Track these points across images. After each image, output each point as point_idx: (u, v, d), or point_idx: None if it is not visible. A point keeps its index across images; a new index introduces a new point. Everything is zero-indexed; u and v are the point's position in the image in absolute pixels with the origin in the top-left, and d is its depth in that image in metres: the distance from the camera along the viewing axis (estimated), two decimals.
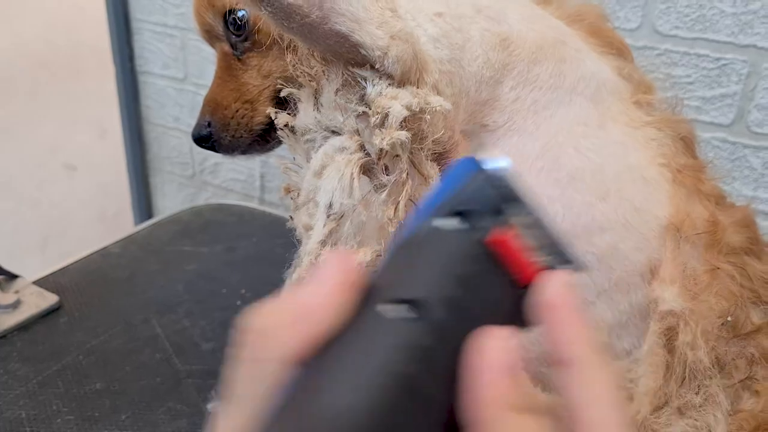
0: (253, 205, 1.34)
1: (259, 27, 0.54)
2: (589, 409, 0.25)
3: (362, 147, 0.43)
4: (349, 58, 0.42)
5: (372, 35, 0.38)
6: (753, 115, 1.06)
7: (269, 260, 1.05)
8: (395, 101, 0.40)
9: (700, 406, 0.47)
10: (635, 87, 0.55)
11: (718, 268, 0.52)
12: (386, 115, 0.41)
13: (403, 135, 0.40)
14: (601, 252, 0.50)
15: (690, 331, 0.47)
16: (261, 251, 1.10)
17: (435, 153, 0.46)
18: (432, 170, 0.44)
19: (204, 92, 0.66)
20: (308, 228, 0.45)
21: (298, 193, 0.49)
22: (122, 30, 1.61)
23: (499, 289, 0.26)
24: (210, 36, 0.62)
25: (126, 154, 1.72)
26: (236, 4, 0.56)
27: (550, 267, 0.26)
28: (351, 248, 0.43)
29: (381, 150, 0.41)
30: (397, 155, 0.42)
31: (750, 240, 0.56)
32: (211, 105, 0.63)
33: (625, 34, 1.11)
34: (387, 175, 0.42)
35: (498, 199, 0.27)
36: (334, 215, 0.43)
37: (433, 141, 0.44)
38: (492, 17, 0.48)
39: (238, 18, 0.57)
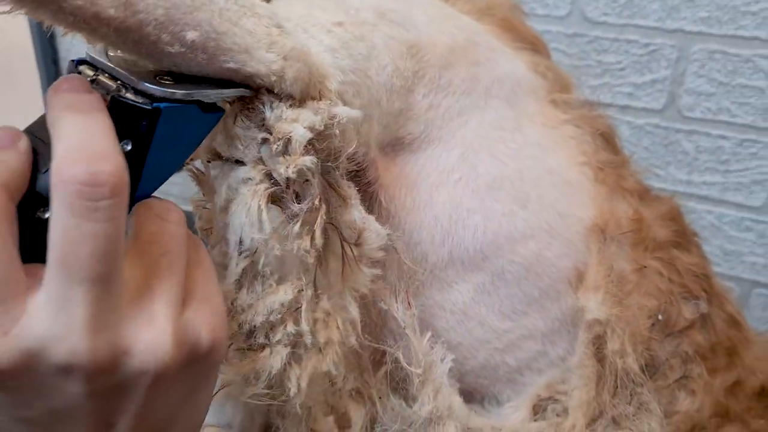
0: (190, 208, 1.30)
1: None
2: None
3: (268, 176, 0.39)
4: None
5: (264, 61, 0.35)
6: (684, 100, 1.07)
7: None
8: (296, 124, 0.37)
9: (633, 416, 0.46)
10: (551, 84, 0.54)
11: (646, 267, 0.51)
12: (288, 140, 0.38)
13: (308, 160, 0.38)
14: (527, 261, 0.48)
15: (618, 338, 0.46)
16: None
17: (351, 172, 0.43)
18: (350, 190, 0.42)
19: None
20: (224, 268, 0.42)
21: (211, 232, 0.47)
22: (45, 34, 1.54)
23: None
24: None
25: None
26: None
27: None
28: (270, 286, 0.40)
29: (288, 178, 0.39)
30: (307, 180, 0.39)
31: (677, 233, 0.55)
32: None
33: (555, 21, 1.10)
34: (298, 203, 0.39)
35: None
36: (246, 252, 0.40)
37: (348, 158, 0.41)
38: (397, 22, 0.45)
39: None
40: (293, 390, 0.40)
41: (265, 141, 0.39)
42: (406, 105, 0.46)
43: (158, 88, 0.34)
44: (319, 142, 0.39)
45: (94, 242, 0.28)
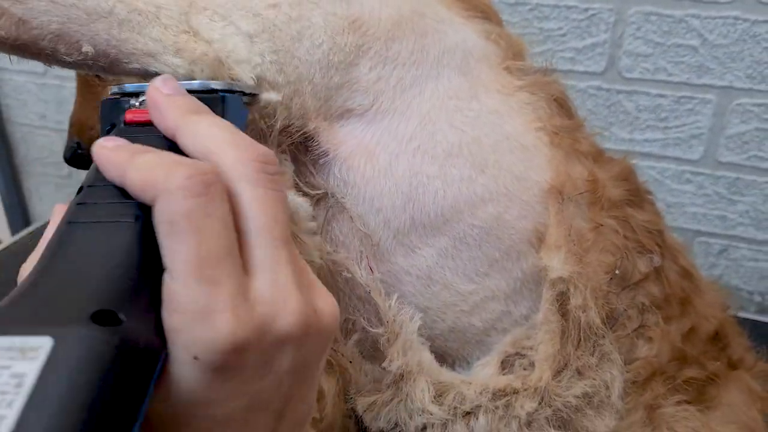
0: None
1: None
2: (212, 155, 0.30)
3: None
4: None
5: (170, 65, 0.36)
6: (623, 62, 1.09)
7: None
8: None
9: (596, 366, 0.48)
10: (504, 52, 0.55)
11: (602, 225, 0.52)
12: None
13: None
14: (487, 224, 0.49)
15: (580, 294, 0.48)
16: None
17: (293, 143, 0.44)
18: (285, 162, 0.43)
19: (69, 84, 0.63)
20: None
21: None
22: None
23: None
24: None
25: None
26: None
27: None
28: None
29: None
30: None
31: (630, 192, 0.57)
32: (77, 126, 0.65)
33: None
34: None
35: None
36: None
37: (282, 133, 0.42)
38: None
39: None
40: None
41: None
42: (348, 78, 0.47)
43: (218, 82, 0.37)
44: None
45: (282, 206, 0.30)
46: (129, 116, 0.35)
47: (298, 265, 0.30)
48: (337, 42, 0.45)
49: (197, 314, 0.26)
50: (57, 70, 1.45)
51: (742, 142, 1.08)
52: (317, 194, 0.47)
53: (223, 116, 0.35)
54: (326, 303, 0.31)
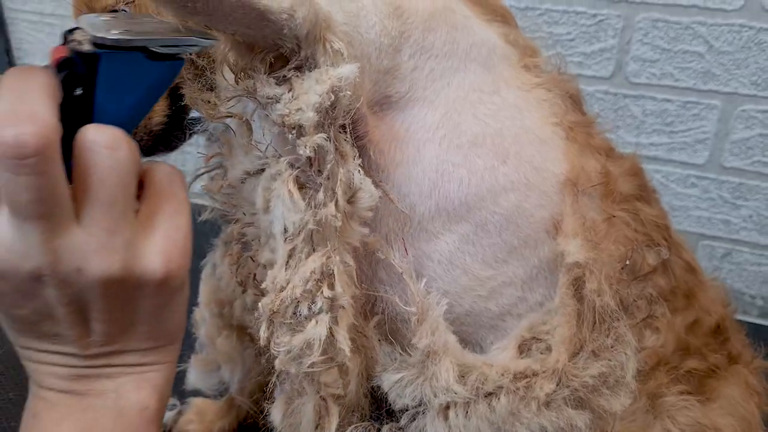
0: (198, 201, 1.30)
1: None
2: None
3: (291, 164, 0.44)
4: (256, 34, 0.41)
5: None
6: (630, 67, 1.12)
7: None
8: (302, 112, 0.41)
9: (611, 347, 0.50)
10: (522, 51, 0.57)
11: (614, 216, 0.55)
12: (301, 127, 0.41)
13: (320, 138, 0.42)
14: (508, 212, 0.52)
15: (595, 278, 0.50)
16: None
17: (344, 128, 0.46)
18: (350, 149, 0.45)
19: None
20: (272, 263, 0.46)
21: (259, 240, 0.51)
22: None
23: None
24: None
25: None
26: (117, 4, 0.54)
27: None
28: (300, 260, 0.44)
29: (308, 158, 0.43)
30: (325, 151, 0.43)
31: (639, 187, 0.60)
32: None
33: None
34: (321, 174, 0.43)
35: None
36: (290, 237, 0.44)
37: (347, 114, 0.44)
38: None
39: None
40: (345, 350, 0.44)
41: (279, 136, 0.44)
42: (393, 64, 0.49)
43: (106, 36, 0.38)
44: (331, 106, 0.42)
45: (29, 192, 0.35)
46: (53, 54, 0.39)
47: (56, 233, 0.37)
48: (386, 25, 0.47)
49: None
50: None
51: (747, 147, 1.11)
52: None
53: (95, 74, 0.38)
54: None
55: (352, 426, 0.52)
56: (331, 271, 0.44)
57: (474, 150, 0.51)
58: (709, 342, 0.64)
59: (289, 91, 0.42)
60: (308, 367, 0.44)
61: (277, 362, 0.45)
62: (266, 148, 0.46)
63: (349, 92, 0.41)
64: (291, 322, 0.44)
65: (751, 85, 1.07)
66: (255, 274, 0.57)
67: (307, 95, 0.41)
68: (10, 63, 1.56)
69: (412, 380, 0.50)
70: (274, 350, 0.44)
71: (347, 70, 0.41)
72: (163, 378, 0.45)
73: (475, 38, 0.53)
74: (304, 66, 0.42)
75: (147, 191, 0.41)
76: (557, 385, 0.49)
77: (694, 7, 1.05)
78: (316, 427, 0.49)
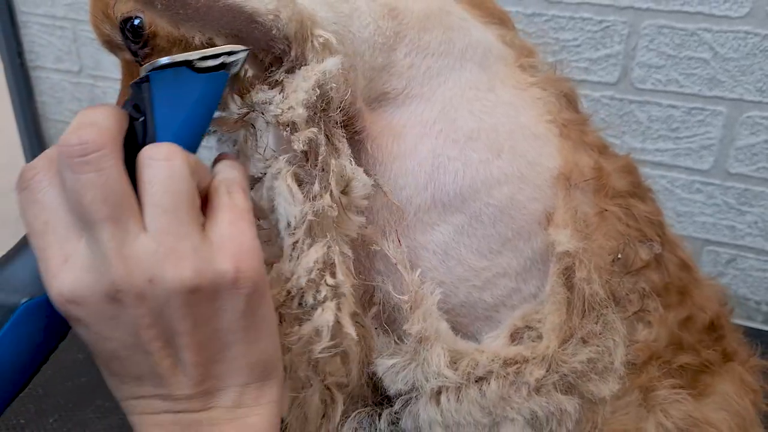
0: None
1: (155, 32, 0.55)
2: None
3: (289, 161, 0.46)
4: (247, 38, 0.43)
5: (262, 1, 0.41)
6: (636, 73, 1.13)
7: None
8: (293, 110, 0.44)
9: (600, 334, 0.52)
10: (518, 52, 0.60)
11: (606, 210, 0.56)
12: (294, 123, 0.44)
13: (311, 132, 0.44)
14: (502, 204, 0.54)
15: (585, 267, 0.52)
16: None
17: (340, 122, 0.48)
18: (341, 142, 0.47)
19: (101, 84, 0.66)
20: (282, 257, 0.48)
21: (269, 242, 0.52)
22: (7, 24, 1.54)
23: None
24: (111, 46, 0.62)
25: (24, 154, 1.66)
26: (130, 12, 0.56)
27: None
28: (303, 251, 0.46)
29: (303, 153, 0.45)
30: (317, 143, 0.45)
31: (633, 184, 0.61)
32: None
33: (514, 1, 1.16)
34: (316, 167, 0.46)
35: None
36: (293, 230, 0.46)
37: (338, 108, 0.46)
38: None
39: (134, 26, 0.57)
40: (352, 334, 0.46)
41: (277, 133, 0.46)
42: (388, 61, 0.52)
43: (155, 62, 0.40)
44: (318, 100, 0.44)
45: (93, 190, 0.35)
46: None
47: (125, 238, 0.36)
48: (380, 25, 0.50)
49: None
50: (91, 70, 1.52)
51: (752, 153, 1.11)
52: None
53: (150, 94, 0.40)
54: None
55: (355, 412, 0.54)
56: (332, 261, 0.46)
57: (469, 144, 0.53)
58: (703, 338, 0.65)
59: (281, 92, 0.44)
60: (318, 353, 0.46)
61: (286, 358, 0.46)
62: (264, 149, 0.49)
63: (334, 84, 0.44)
64: (298, 312, 0.46)
65: (756, 92, 1.08)
66: None
67: (296, 93, 0.44)
68: (22, 65, 1.60)
69: (405, 365, 0.52)
70: (284, 342, 0.45)
71: (330, 63, 0.44)
72: (268, 422, 0.41)
73: (472, 39, 0.55)
74: (295, 66, 0.45)
75: (209, 204, 0.41)
76: (547, 370, 0.51)
77: (700, 14, 1.06)
78: (323, 416, 0.51)
